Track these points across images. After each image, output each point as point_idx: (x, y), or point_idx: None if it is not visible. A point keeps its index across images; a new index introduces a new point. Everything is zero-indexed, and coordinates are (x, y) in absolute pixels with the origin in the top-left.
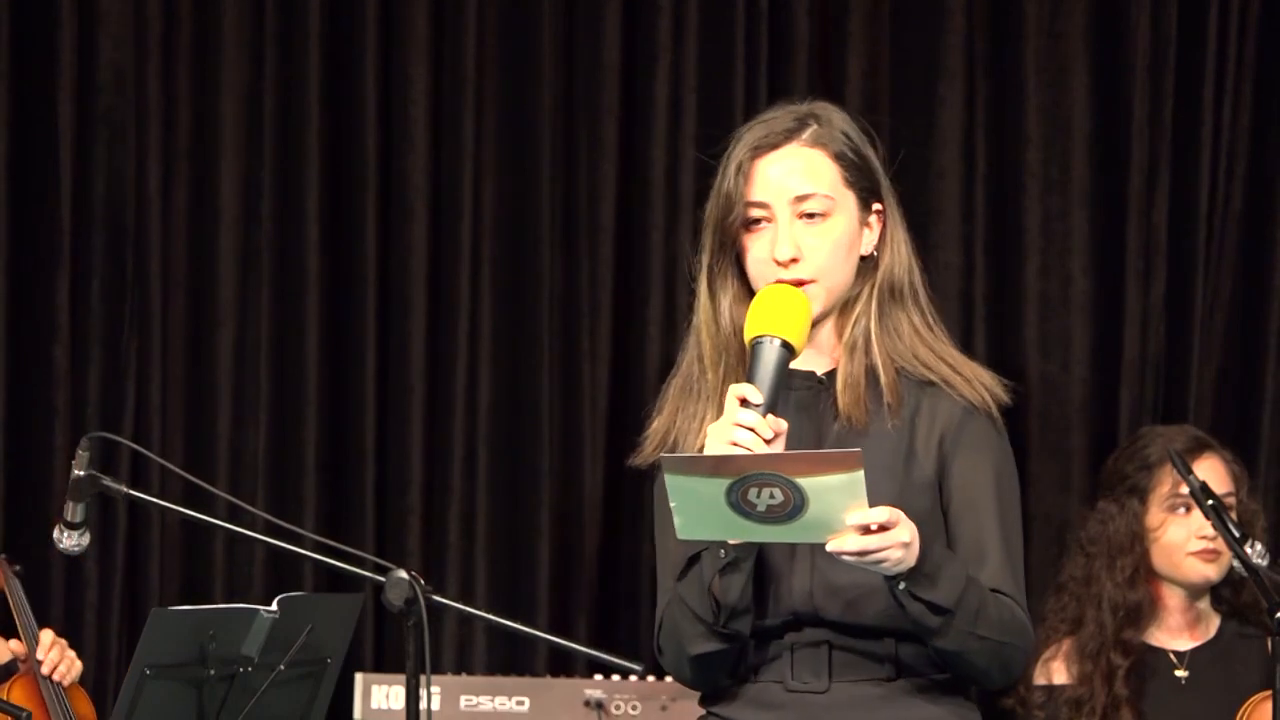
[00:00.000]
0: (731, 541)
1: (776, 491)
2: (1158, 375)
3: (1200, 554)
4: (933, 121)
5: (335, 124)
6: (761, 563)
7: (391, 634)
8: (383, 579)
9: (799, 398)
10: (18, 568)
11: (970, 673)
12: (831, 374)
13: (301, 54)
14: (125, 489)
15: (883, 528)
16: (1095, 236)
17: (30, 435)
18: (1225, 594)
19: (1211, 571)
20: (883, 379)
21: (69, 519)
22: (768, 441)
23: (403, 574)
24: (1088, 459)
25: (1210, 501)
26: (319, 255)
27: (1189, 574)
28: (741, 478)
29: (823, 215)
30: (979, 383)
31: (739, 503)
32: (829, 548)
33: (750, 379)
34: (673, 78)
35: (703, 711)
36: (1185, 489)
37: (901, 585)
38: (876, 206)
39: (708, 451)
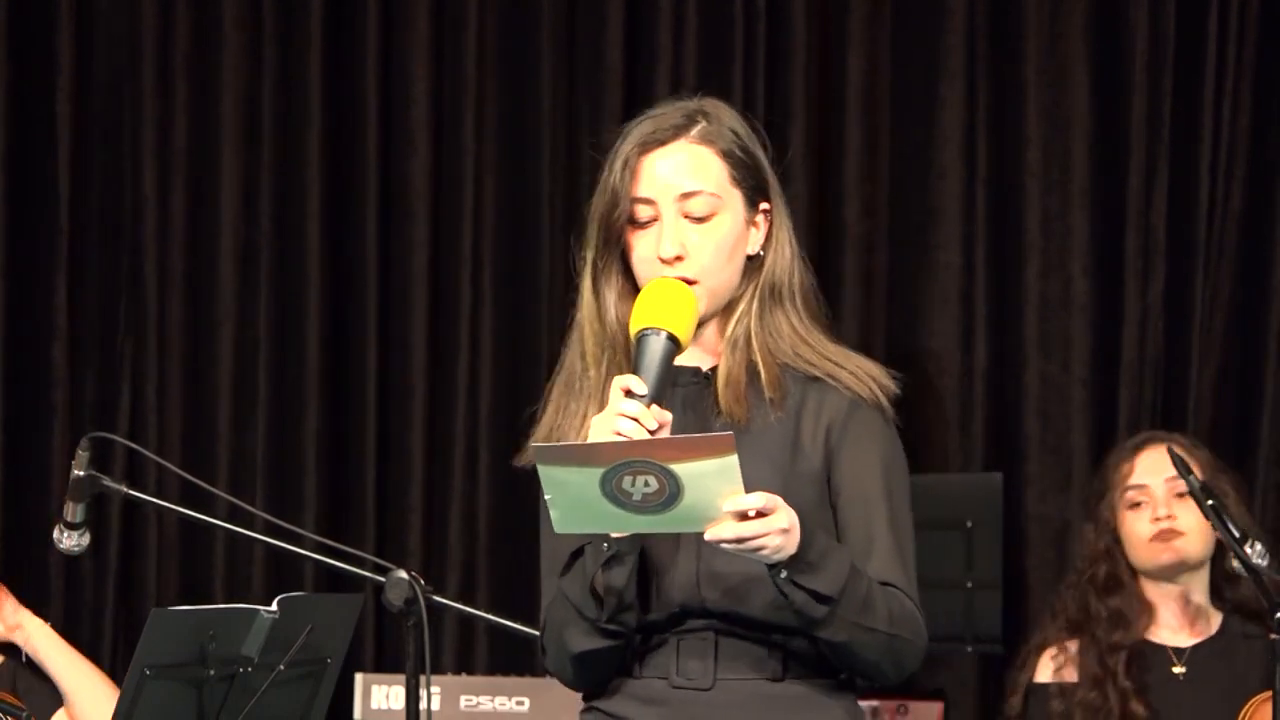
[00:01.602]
0: (614, 535)
1: (651, 479)
2: (1157, 375)
3: (1159, 537)
4: (933, 121)
5: (335, 124)
6: (645, 556)
7: (391, 634)
8: (383, 579)
9: (685, 393)
10: None
11: (860, 667)
12: (715, 370)
13: (301, 54)
14: (125, 489)
15: (760, 514)
16: (1095, 237)
17: (29, 435)
18: (1225, 590)
19: (1176, 552)
20: (763, 375)
21: (69, 519)
22: (652, 432)
23: (403, 574)
24: (1088, 459)
25: (1210, 501)
26: (319, 255)
27: (1157, 559)
28: (614, 466)
29: (709, 214)
30: (866, 375)
31: (614, 493)
32: (707, 536)
33: (635, 371)
34: (673, 78)
35: (584, 706)
36: (1133, 480)
37: (783, 573)
38: (764, 206)
39: (590, 442)
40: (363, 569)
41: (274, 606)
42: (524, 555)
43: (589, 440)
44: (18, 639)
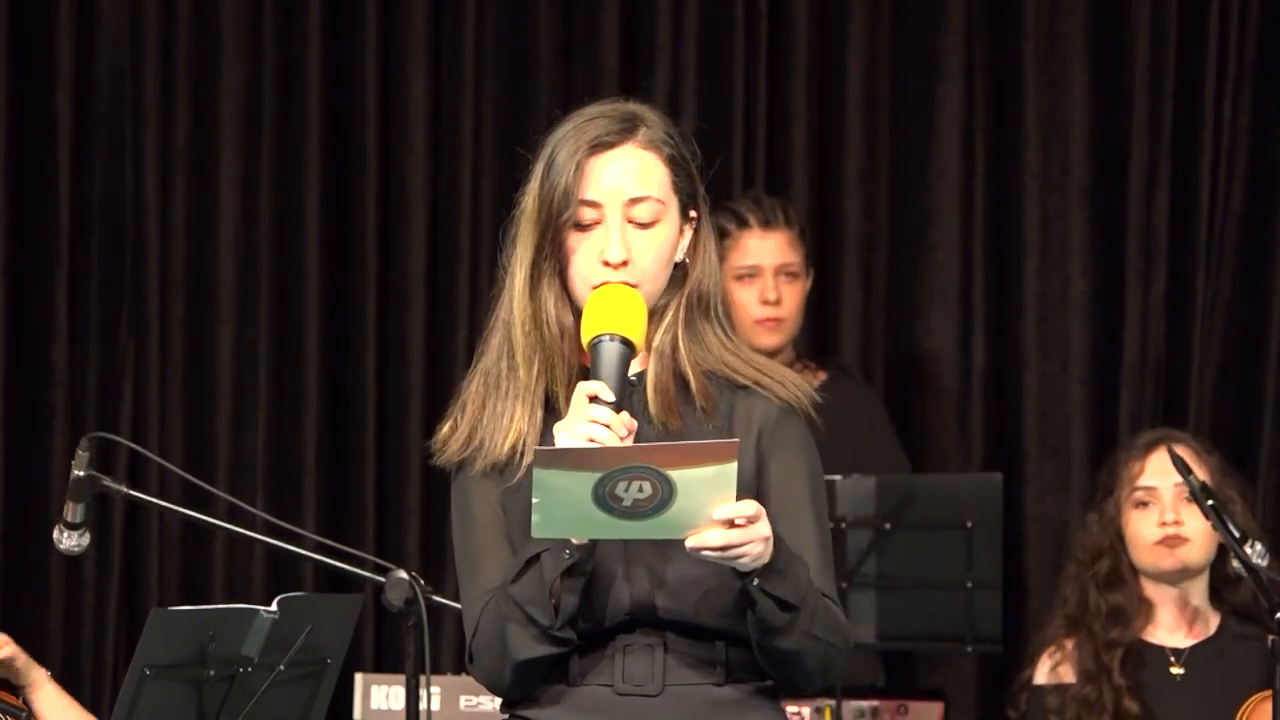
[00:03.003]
0: (575, 541)
1: (645, 485)
2: (1157, 376)
3: (1164, 542)
4: (933, 121)
5: (335, 124)
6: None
7: (391, 634)
8: (383, 579)
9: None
10: None
11: (797, 675)
12: (642, 376)
13: (301, 54)
14: (125, 489)
15: (750, 521)
16: (1095, 237)
17: (29, 435)
18: (1224, 592)
19: (1179, 559)
20: (692, 384)
21: (69, 519)
22: (622, 438)
23: (402, 574)
24: (1087, 459)
25: (1210, 502)
26: (319, 255)
27: (1159, 563)
28: (611, 471)
29: (654, 220)
30: (790, 383)
31: (605, 498)
32: (689, 543)
33: (595, 377)
34: (672, 78)
35: (505, 715)
36: (1142, 481)
37: (755, 581)
38: (692, 213)
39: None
40: (363, 569)
41: (274, 606)
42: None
43: (557, 444)
44: (32, 696)
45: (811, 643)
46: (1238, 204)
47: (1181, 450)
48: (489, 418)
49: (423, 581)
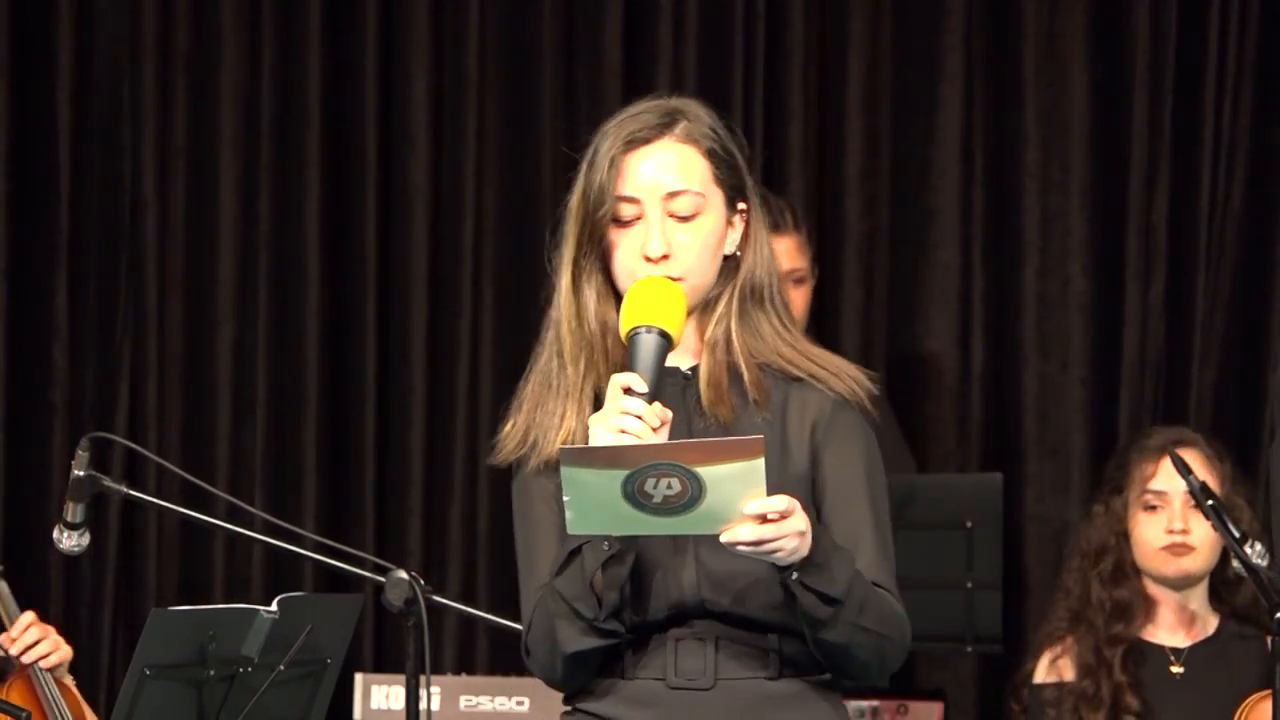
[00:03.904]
0: (614, 534)
1: (674, 482)
2: (1157, 376)
3: (1169, 549)
4: (932, 121)
5: (335, 124)
6: (642, 556)
7: (391, 634)
8: (383, 579)
9: (668, 394)
10: (1, 567)
11: (851, 668)
12: (696, 369)
13: (301, 54)
14: (125, 489)
15: (782, 516)
16: (1095, 237)
17: (29, 435)
18: (1224, 594)
19: (1182, 568)
20: (746, 376)
21: (69, 519)
22: (654, 429)
23: (402, 574)
24: (1087, 459)
25: (1210, 501)
26: (319, 255)
27: (1162, 569)
28: (640, 469)
29: (694, 213)
30: (846, 375)
31: (635, 494)
32: (723, 538)
33: (631, 369)
34: (673, 78)
35: (567, 709)
36: (1154, 485)
37: (794, 575)
38: (741, 206)
39: (593, 443)
40: (363, 569)
41: (274, 606)
42: None
43: (591, 440)
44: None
45: (861, 635)
46: (1238, 204)
47: (1193, 455)
48: (542, 416)
49: (423, 581)
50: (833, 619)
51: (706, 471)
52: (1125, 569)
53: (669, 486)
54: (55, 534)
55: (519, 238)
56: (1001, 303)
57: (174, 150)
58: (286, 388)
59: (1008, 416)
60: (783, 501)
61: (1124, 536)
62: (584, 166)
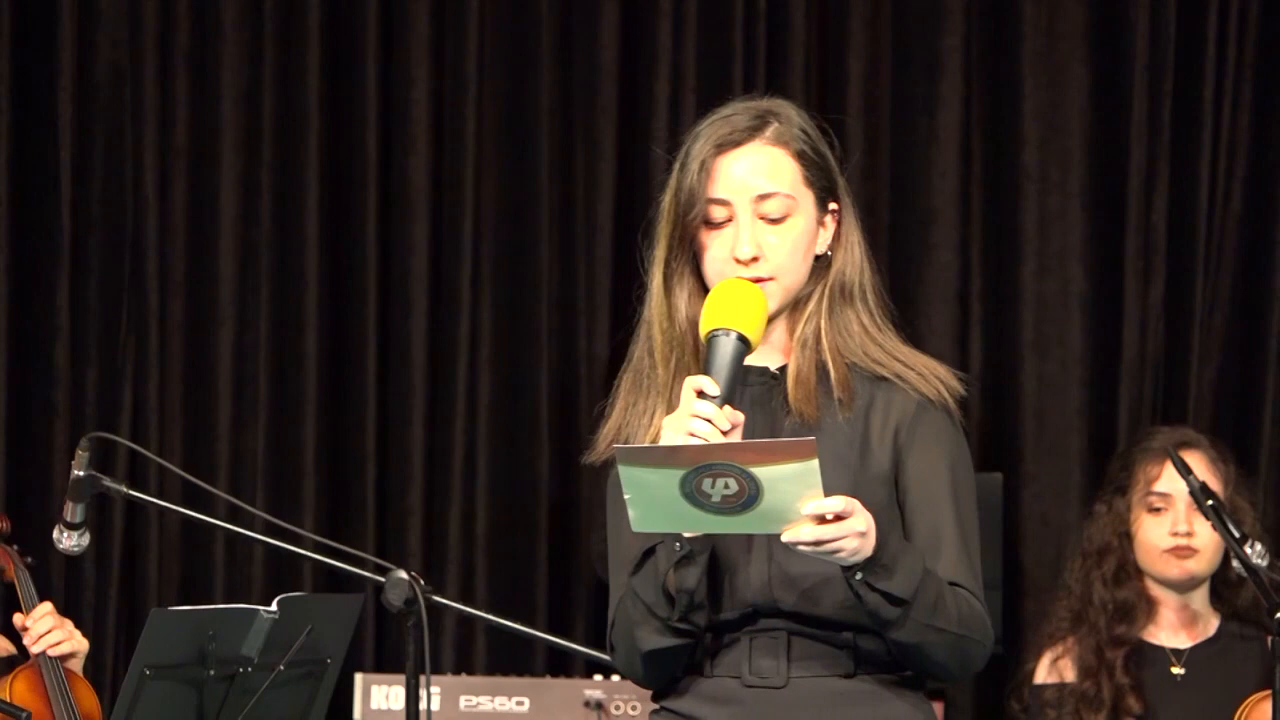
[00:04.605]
0: (686, 534)
1: (731, 482)
2: (1157, 375)
3: (1173, 551)
4: (932, 121)
5: (335, 124)
6: (716, 555)
7: (391, 634)
8: (383, 579)
9: (754, 393)
10: (29, 559)
11: (928, 667)
12: (784, 369)
13: (301, 54)
14: (125, 489)
15: (839, 517)
16: (1094, 237)
17: (29, 435)
18: (1225, 594)
19: (1186, 570)
20: (833, 375)
21: (69, 519)
22: (725, 433)
23: (402, 574)
24: (1087, 459)
25: (1210, 502)
26: (319, 255)
27: (1165, 571)
28: (696, 468)
29: (784, 215)
30: (933, 376)
31: (693, 494)
32: (784, 538)
33: (706, 372)
34: (672, 78)
35: (655, 707)
36: (1158, 487)
37: (858, 575)
38: (832, 206)
39: (661, 444)
40: (363, 569)
41: (274, 606)
42: (523, 555)
43: (662, 440)
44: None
45: (933, 635)
46: (1237, 204)
47: (1197, 457)
48: (633, 414)
49: (423, 581)
50: (900, 619)
51: (762, 472)
52: (1128, 569)
53: (726, 486)
54: (55, 534)
55: (518, 238)
56: (1000, 302)
57: (174, 150)
58: (286, 388)
59: (1007, 416)
60: (840, 502)
61: (1127, 537)
62: (675, 168)
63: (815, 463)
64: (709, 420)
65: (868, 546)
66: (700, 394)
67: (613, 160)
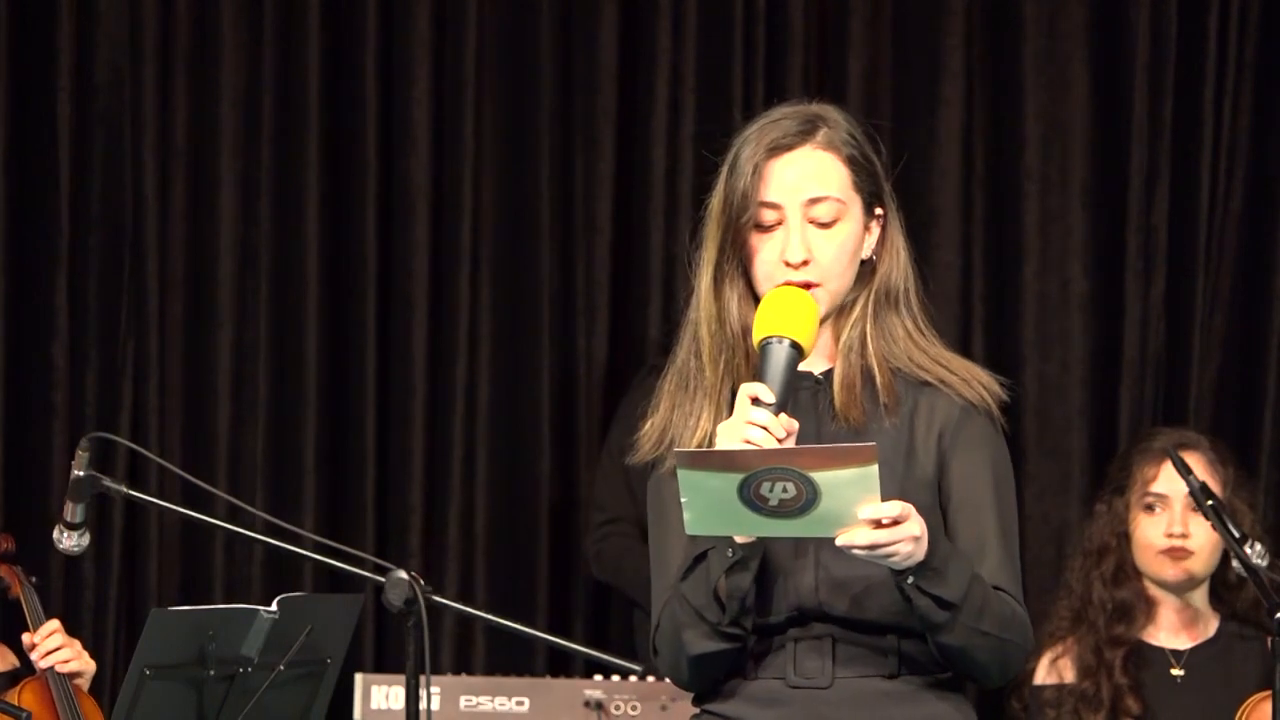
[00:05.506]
0: (739, 540)
1: (789, 486)
2: (1157, 375)
3: (1168, 552)
4: (933, 122)
5: (335, 124)
6: (763, 560)
7: (391, 634)
8: (382, 579)
9: (799, 397)
10: (34, 579)
11: (971, 669)
12: (829, 374)
13: (301, 54)
14: (125, 489)
15: (895, 522)
16: (1094, 237)
17: (29, 435)
18: (1225, 595)
19: (1181, 571)
20: (878, 380)
21: (69, 519)
22: (780, 440)
23: (402, 574)
24: (1087, 460)
25: (1210, 502)
26: (319, 255)
27: (1160, 572)
28: (755, 472)
29: (834, 219)
30: (976, 382)
31: (751, 498)
32: (839, 541)
33: (760, 378)
34: (671, 78)
35: (696, 710)
36: (1155, 487)
37: (910, 580)
38: (878, 211)
39: (719, 448)
40: (363, 569)
41: (274, 606)
42: (523, 555)
43: (718, 446)
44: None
45: (980, 639)
46: (1237, 204)
47: (1196, 457)
48: (678, 416)
49: (423, 581)
50: (949, 622)
51: (821, 476)
52: (1126, 570)
53: (784, 490)
54: (55, 534)
55: (518, 238)
56: (1001, 303)
57: (174, 150)
58: (286, 388)
59: (1008, 416)
60: (896, 507)
61: (1125, 537)
62: (724, 171)
63: (875, 468)
64: (765, 428)
65: (920, 551)
66: (755, 401)
67: (612, 160)
